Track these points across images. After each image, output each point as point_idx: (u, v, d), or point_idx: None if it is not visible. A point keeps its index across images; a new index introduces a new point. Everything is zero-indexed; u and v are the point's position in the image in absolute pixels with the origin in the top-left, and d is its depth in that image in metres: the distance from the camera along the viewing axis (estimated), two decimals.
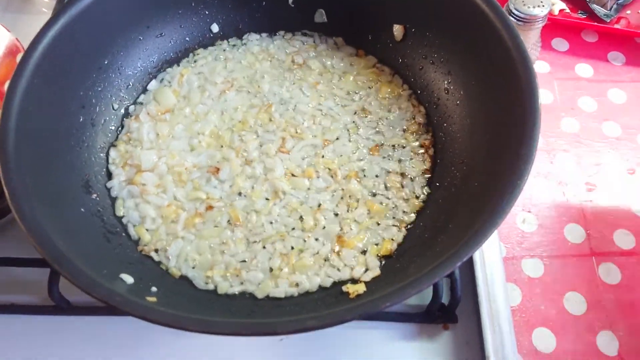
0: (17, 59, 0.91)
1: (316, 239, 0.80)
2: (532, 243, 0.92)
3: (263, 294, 0.76)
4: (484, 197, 0.70)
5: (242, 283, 0.76)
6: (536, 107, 0.70)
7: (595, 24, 1.13)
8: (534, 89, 0.71)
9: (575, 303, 0.87)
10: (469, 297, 0.84)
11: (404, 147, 0.88)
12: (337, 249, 0.79)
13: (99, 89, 0.88)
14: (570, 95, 1.09)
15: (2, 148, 0.67)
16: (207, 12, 0.98)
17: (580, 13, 1.16)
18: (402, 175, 0.86)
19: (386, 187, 0.84)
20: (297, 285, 0.76)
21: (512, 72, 0.75)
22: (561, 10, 1.17)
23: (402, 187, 0.84)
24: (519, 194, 0.64)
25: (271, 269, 0.77)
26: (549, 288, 0.88)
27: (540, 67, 1.12)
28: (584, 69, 1.12)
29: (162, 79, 0.96)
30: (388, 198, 0.83)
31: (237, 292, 0.76)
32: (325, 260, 0.78)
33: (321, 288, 0.77)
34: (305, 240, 0.80)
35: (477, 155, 0.81)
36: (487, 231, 0.62)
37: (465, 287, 0.79)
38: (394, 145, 0.88)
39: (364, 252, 0.79)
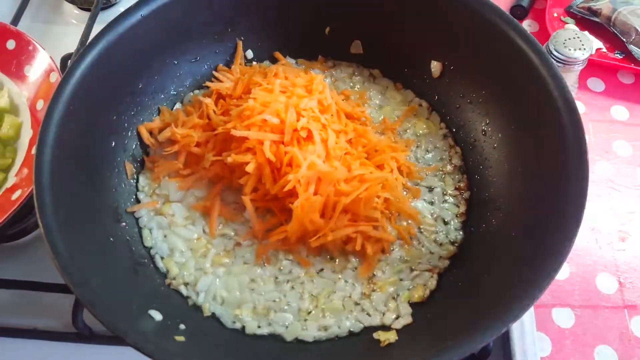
0: (50, 78, 0.91)
1: (346, 281, 0.78)
2: (563, 292, 0.90)
3: (291, 336, 0.74)
4: (525, 256, 0.68)
5: (270, 324, 0.75)
6: (584, 161, 0.68)
7: (633, 66, 1.11)
8: (582, 141, 0.69)
9: (606, 357, 0.85)
10: (499, 346, 0.83)
11: (439, 189, 0.86)
12: (367, 292, 0.78)
13: (132, 113, 0.87)
14: (605, 137, 1.07)
15: (37, 181, 0.66)
16: (242, 39, 0.97)
17: (617, 53, 1.14)
18: (436, 218, 0.84)
19: (420, 230, 0.83)
20: (325, 329, 0.75)
21: (557, 122, 0.74)
22: (598, 50, 1.15)
23: (437, 231, 0.83)
24: (566, 258, 0.62)
25: (299, 310, 0.76)
26: (579, 340, 0.86)
27: None
28: (620, 111, 1.10)
29: (190, 101, 0.95)
30: (422, 242, 0.82)
31: (265, 334, 0.74)
32: (355, 304, 0.77)
33: (351, 333, 0.75)
34: (335, 282, 0.78)
35: (515, 203, 0.79)
36: (529, 301, 0.60)
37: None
38: (429, 187, 0.87)
39: (395, 298, 0.77)
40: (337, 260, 0.80)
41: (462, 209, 0.85)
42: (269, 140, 0.78)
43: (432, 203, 0.86)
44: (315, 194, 0.76)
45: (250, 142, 0.78)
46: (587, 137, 1.06)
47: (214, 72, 0.94)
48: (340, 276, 0.79)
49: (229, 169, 0.82)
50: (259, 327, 0.74)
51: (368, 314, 0.76)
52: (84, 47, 0.78)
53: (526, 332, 0.83)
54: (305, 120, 0.79)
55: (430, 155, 0.90)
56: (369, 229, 0.78)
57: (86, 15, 1.14)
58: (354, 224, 0.78)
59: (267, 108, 0.79)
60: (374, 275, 0.79)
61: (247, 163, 0.78)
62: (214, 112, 0.86)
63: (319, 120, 0.81)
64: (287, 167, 0.77)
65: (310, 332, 0.74)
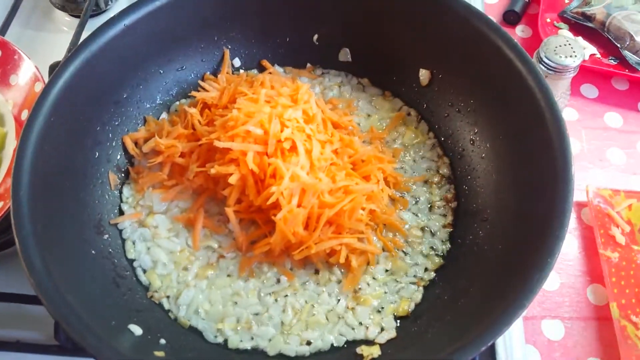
0: (35, 88, 0.90)
1: (330, 294, 0.77)
2: (553, 303, 0.89)
3: (274, 350, 0.73)
4: (511, 268, 0.67)
5: (252, 338, 0.74)
6: (569, 178, 0.67)
7: (627, 72, 1.09)
8: (568, 158, 0.68)
9: None
10: (486, 358, 0.82)
11: (425, 200, 0.85)
12: (351, 305, 0.77)
13: (116, 123, 0.87)
14: (598, 145, 1.05)
15: (14, 193, 0.66)
16: (229, 47, 0.96)
17: (612, 59, 1.13)
18: (423, 229, 0.83)
19: (406, 242, 0.82)
20: (308, 343, 0.74)
21: (544, 134, 0.73)
22: (592, 55, 1.13)
23: (423, 242, 0.82)
24: (549, 273, 0.61)
25: (282, 324, 0.75)
26: (569, 352, 0.85)
27: (568, 114, 1.08)
28: (614, 118, 1.08)
29: (177, 110, 0.94)
30: (408, 254, 0.81)
31: (248, 348, 0.73)
32: (339, 317, 0.76)
33: (334, 348, 0.74)
34: (319, 295, 0.77)
35: (502, 215, 0.78)
36: (515, 312, 0.59)
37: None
38: (416, 198, 0.86)
39: (379, 311, 0.76)
40: (321, 272, 0.79)
41: (449, 219, 0.84)
42: (253, 152, 0.77)
43: (418, 214, 0.85)
44: (299, 205, 0.75)
45: (234, 153, 0.77)
46: (580, 144, 1.06)
47: (199, 82, 0.93)
48: (324, 289, 0.78)
49: (213, 180, 0.81)
50: (241, 341, 0.74)
51: (352, 328, 0.75)
52: (66, 57, 0.78)
53: (515, 345, 0.82)
54: (290, 131, 0.78)
55: (418, 165, 0.89)
56: (353, 241, 0.77)
57: (77, 22, 1.13)
58: (338, 236, 0.77)
59: (251, 119, 0.78)
60: (359, 288, 0.78)
61: (230, 174, 0.77)
62: (199, 122, 0.85)
63: (304, 130, 0.80)
64: (271, 178, 0.76)
65: (293, 347, 0.73)
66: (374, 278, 0.78)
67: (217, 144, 0.77)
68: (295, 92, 0.85)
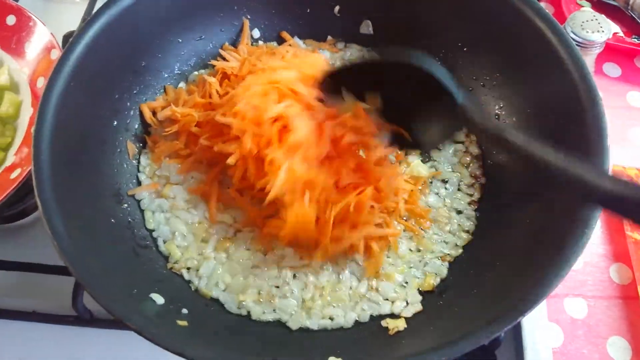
0: (51, 55, 0.88)
1: (352, 274, 0.75)
2: (576, 281, 0.88)
3: (296, 325, 0.71)
4: (543, 240, 0.66)
5: (274, 310, 0.72)
6: (604, 149, 0.66)
7: None
8: (603, 132, 0.67)
9: (619, 349, 0.82)
10: (509, 336, 0.81)
11: (455, 179, 0.84)
12: (375, 285, 0.75)
13: (135, 92, 0.85)
14: (620, 124, 1.03)
15: (36, 157, 0.64)
16: (249, 17, 0.93)
17: (635, 38, 1.11)
18: (450, 208, 0.81)
19: (433, 221, 0.80)
20: (331, 319, 0.72)
21: (577, 108, 0.71)
22: (615, 34, 1.11)
23: (450, 221, 0.80)
24: (587, 242, 0.59)
25: (303, 300, 0.73)
26: (592, 331, 0.84)
27: None
28: (637, 97, 1.06)
29: (195, 80, 0.92)
30: (435, 232, 0.79)
31: (270, 319, 0.72)
32: (362, 296, 0.74)
33: (357, 322, 0.73)
34: (339, 274, 0.75)
35: (531, 188, 0.76)
36: (544, 292, 0.58)
37: None
38: (444, 180, 0.84)
39: (404, 286, 0.75)
40: (339, 260, 0.76)
41: (476, 196, 0.82)
42: (250, 131, 0.71)
43: (446, 197, 0.82)
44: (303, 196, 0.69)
45: (235, 130, 0.72)
46: None
47: (220, 50, 0.91)
48: (346, 270, 0.75)
49: (223, 155, 0.76)
50: (264, 312, 0.72)
51: (377, 303, 0.73)
52: (85, 22, 0.76)
53: (538, 322, 0.81)
54: (283, 107, 0.71)
55: (446, 151, 0.87)
56: (372, 230, 0.74)
57: None
58: (354, 231, 0.72)
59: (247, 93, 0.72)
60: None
61: (231, 153, 0.73)
62: (217, 92, 0.83)
63: (302, 98, 0.72)
64: (269, 165, 0.70)
65: (315, 321, 0.72)
66: (398, 257, 0.77)
67: (218, 119, 0.74)
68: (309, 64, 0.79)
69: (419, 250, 0.77)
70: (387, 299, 0.73)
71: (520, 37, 0.80)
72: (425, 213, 0.79)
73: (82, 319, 0.78)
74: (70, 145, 0.71)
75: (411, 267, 0.76)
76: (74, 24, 1.02)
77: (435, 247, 0.78)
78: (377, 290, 0.74)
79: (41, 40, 0.89)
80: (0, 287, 0.83)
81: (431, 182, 0.84)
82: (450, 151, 0.87)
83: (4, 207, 0.80)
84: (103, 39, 0.76)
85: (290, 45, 0.93)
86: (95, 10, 1.03)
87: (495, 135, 0.60)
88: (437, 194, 0.83)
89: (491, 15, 0.83)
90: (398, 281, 0.75)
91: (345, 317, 0.72)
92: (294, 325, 0.71)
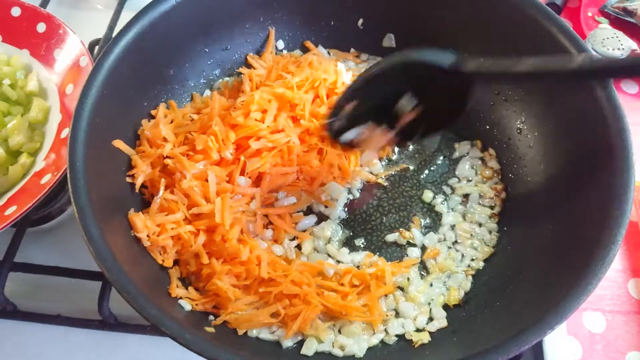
0: (80, 62, 0.89)
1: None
2: (594, 296, 0.88)
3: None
4: (568, 252, 0.66)
5: None
6: (630, 164, 0.67)
7: None
8: (628, 149, 0.68)
9: None
10: (529, 349, 0.81)
11: (476, 195, 0.85)
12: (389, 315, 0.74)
13: (163, 100, 0.86)
14: (638, 141, 1.04)
15: (71, 162, 0.65)
16: (274, 28, 0.95)
17: None
18: (471, 222, 0.82)
19: (456, 240, 0.81)
20: (342, 348, 0.71)
21: (600, 124, 0.72)
22: (632, 51, 1.12)
23: (472, 235, 0.81)
24: (617, 250, 0.60)
25: None
26: (611, 345, 0.84)
27: None
28: None
29: (220, 88, 0.93)
30: (457, 250, 0.80)
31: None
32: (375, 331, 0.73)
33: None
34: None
35: (551, 204, 0.77)
36: (576, 301, 0.59)
37: None
38: (465, 195, 0.86)
39: (429, 304, 0.75)
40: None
41: (497, 209, 0.83)
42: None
43: (465, 209, 0.84)
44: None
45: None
46: None
47: (247, 58, 0.93)
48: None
49: None
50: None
51: (402, 326, 0.73)
52: (119, 31, 0.77)
53: (557, 336, 0.81)
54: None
55: (466, 165, 0.88)
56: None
57: (112, 0, 1.13)
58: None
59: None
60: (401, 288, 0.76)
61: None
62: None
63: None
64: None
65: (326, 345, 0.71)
66: (414, 282, 0.77)
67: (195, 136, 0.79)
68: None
69: (437, 270, 0.78)
70: (407, 318, 0.74)
71: (544, 52, 0.81)
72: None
73: (107, 323, 0.79)
74: (102, 151, 0.72)
75: (432, 285, 0.77)
76: (97, 32, 1.04)
77: (455, 265, 0.78)
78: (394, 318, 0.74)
79: (71, 48, 0.91)
80: (25, 291, 0.84)
81: (447, 198, 0.85)
82: (467, 165, 0.88)
83: (31, 212, 0.81)
84: (135, 48, 0.78)
85: (314, 54, 0.95)
86: (120, 17, 1.06)
87: (496, 73, 0.62)
88: (455, 209, 0.84)
89: (513, 30, 0.84)
90: (421, 302, 0.75)
91: (359, 347, 0.71)
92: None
